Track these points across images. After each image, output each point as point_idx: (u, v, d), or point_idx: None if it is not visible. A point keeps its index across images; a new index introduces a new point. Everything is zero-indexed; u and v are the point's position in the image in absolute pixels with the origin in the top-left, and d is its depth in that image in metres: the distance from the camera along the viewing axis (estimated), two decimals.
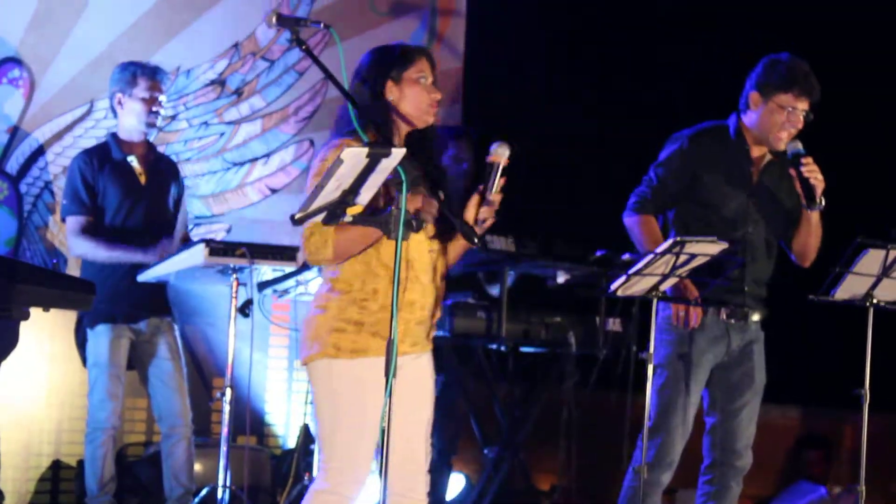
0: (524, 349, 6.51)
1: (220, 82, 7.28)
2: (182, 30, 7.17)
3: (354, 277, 4.36)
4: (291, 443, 7.19)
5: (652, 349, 5.44)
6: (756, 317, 5.60)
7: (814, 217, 5.51)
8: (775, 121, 5.46)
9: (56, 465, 6.63)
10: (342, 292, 4.37)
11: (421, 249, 4.41)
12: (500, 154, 4.33)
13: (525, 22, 7.95)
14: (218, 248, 5.71)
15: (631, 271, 5.32)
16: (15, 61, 6.64)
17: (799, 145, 5.42)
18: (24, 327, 5.82)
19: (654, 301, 5.40)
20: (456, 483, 7.10)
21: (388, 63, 4.41)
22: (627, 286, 5.38)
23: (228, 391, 5.85)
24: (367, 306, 4.34)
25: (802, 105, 5.46)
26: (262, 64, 7.41)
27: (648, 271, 5.31)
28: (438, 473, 6.94)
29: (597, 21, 7.68)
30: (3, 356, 6.07)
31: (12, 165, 6.64)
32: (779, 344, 5.75)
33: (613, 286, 5.38)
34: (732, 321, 5.54)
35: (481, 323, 6.37)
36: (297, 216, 4.40)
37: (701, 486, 5.60)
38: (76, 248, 6.09)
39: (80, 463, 6.24)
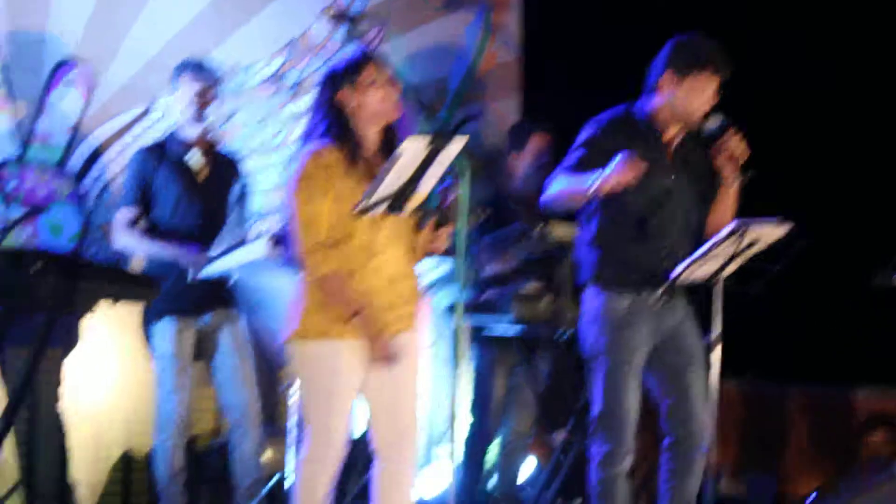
0: None
1: (277, 79, 7.33)
2: (238, 28, 7.21)
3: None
4: (358, 431, 7.23)
5: (715, 333, 5.45)
6: (682, 295, 5.60)
7: (732, 190, 5.54)
8: (693, 100, 5.49)
9: (126, 457, 6.69)
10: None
11: (400, 232, 4.80)
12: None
13: (582, 11, 7.93)
14: (280, 242, 5.76)
15: (693, 256, 5.33)
16: (74, 62, 6.71)
17: (721, 118, 5.46)
18: (93, 322, 5.91)
19: (716, 286, 5.41)
20: (527, 467, 7.14)
21: (341, 74, 4.83)
22: (689, 271, 5.39)
23: (295, 381, 5.89)
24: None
25: (717, 82, 5.50)
26: (318, 60, 7.45)
27: (711, 256, 5.31)
28: (513, 457, 6.99)
29: (659, 9, 7.65)
30: (68, 350, 6.15)
31: (74, 164, 6.71)
32: (843, 325, 5.75)
33: (675, 272, 5.39)
34: (661, 302, 5.54)
35: (546, 310, 6.39)
36: (359, 207, 4.46)
37: (665, 464, 5.61)
38: (118, 240, 6.19)
39: (151, 454, 6.31)
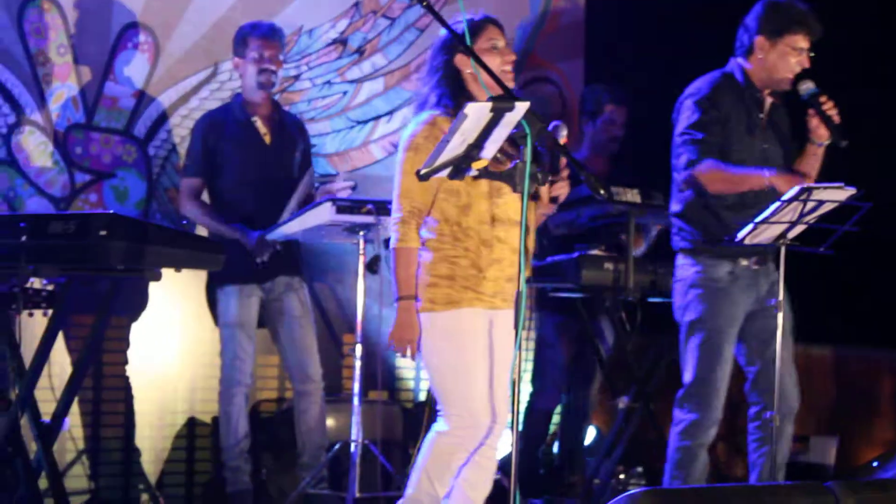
0: (652, 300, 6.47)
1: (341, 41, 7.30)
2: None
3: (445, 238, 4.62)
4: (423, 396, 7.23)
5: (781, 295, 5.39)
6: (774, 258, 5.55)
7: (819, 151, 5.52)
8: (786, 63, 5.49)
9: (191, 423, 6.72)
10: (434, 251, 4.63)
11: (509, 209, 4.62)
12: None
13: None
14: (344, 206, 5.74)
15: (758, 219, 5.28)
16: (139, 26, 6.71)
17: (812, 85, 5.44)
18: (157, 287, 5.93)
19: (783, 249, 5.36)
20: (588, 434, 7.11)
21: (457, 37, 4.58)
22: (755, 234, 5.34)
23: (359, 347, 5.88)
24: (458, 262, 4.61)
25: (808, 44, 5.48)
26: (383, 22, 7.41)
27: (776, 219, 5.26)
28: (575, 425, 6.96)
29: None
30: (134, 316, 6.18)
31: (139, 129, 6.71)
32: None
33: (741, 235, 5.35)
34: (758, 267, 5.53)
35: (609, 274, 6.34)
36: (422, 171, 4.43)
37: (752, 433, 5.59)
38: (184, 208, 6.22)
39: (215, 420, 6.33)
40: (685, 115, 5.58)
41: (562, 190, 4.66)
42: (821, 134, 5.46)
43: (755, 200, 5.45)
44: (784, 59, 5.49)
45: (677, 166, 5.60)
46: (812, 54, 5.50)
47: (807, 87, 5.45)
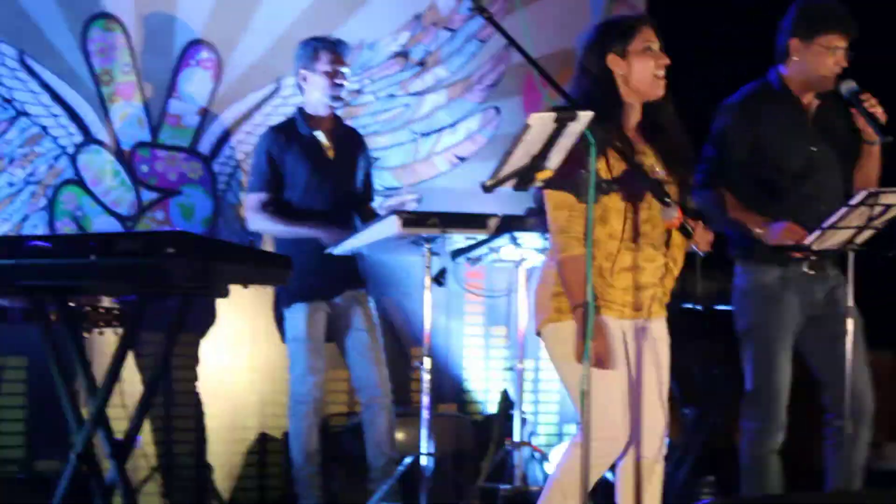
0: (719, 307, 6.42)
1: (403, 54, 7.31)
2: (363, 4, 7.19)
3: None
4: (492, 408, 7.21)
5: (850, 301, 5.34)
6: (834, 265, 5.50)
7: (875, 150, 5.45)
8: (823, 63, 5.42)
9: (262, 438, 6.74)
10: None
11: (655, 220, 4.39)
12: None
13: None
14: (410, 219, 5.73)
15: (825, 224, 5.23)
16: (202, 43, 6.74)
17: (853, 84, 5.37)
18: (226, 304, 5.96)
19: (850, 254, 5.31)
20: None
21: (611, 36, 4.40)
22: (822, 240, 5.29)
23: (427, 360, 5.87)
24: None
25: (845, 42, 5.41)
26: (444, 34, 7.41)
27: (843, 224, 5.22)
28: None
29: None
30: (203, 332, 6.20)
31: (204, 146, 6.75)
32: None
33: (808, 240, 5.30)
34: (813, 272, 5.46)
35: (676, 282, 6.29)
36: (487, 183, 4.40)
37: (829, 438, 5.52)
38: (253, 223, 6.22)
39: (286, 435, 6.34)
40: (716, 125, 5.56)
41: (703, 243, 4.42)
42: (868, 133, 5.40)
43: (805, 201, 5.42)
44: (820, 59, 5.42)
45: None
46: (850, 53, 5.43)
47: (847, 86, 5.38)
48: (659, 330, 4.53)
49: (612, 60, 4.40)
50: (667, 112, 4.48)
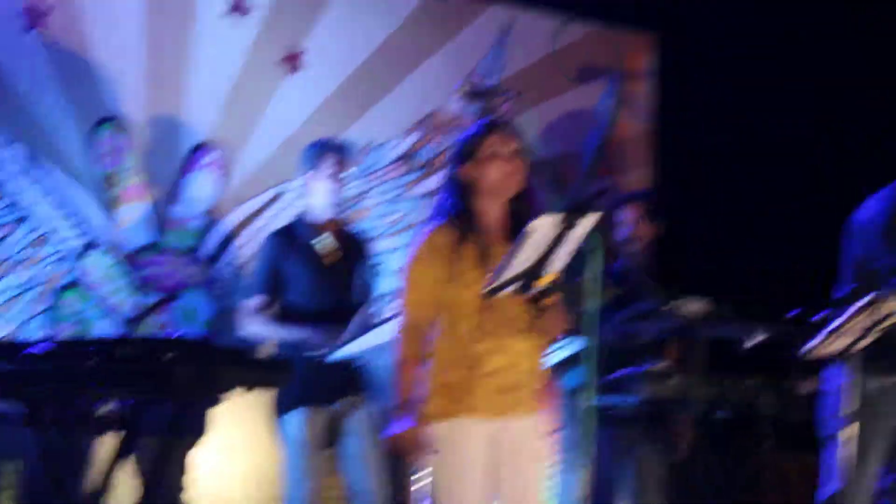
0: (718, 413, 6.35)
1: (409, 157, 7.31)
2: (372, 105, 7.22)
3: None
4: None
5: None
6: None
7: None
8: None
9: None
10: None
11: (511, 314, 4.58)
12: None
13: (719, 81, 7.79)
14: None
15: (827, 330, 5.16)
16: (208, 146, 6.75)
17: None
18: (222, 407, 5.88)
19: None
20: None
21: (460, 153, 4.70)
22: (824, 346, 5.21)
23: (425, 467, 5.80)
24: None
25: None
26: (451, 135, 7.42)
27: (846, 330, 5.15)
28: None
29: (794, 72, 7.48)
30: (193, 442, 6.14)
31: (206, 249, 6.74)
32: None
33: (808, 346, 5.22)
34: None
35: (676, 388, 6.23)
36: (488, 289, 4.38)
37: None
38: (245, 328, 6.15)
39: None
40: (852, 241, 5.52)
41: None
42: None
43: None
44: None
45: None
46: None
47: None
48: (526, 429, 4.65)
49: (463, 172, 4.66)
50: (524, 205, 4.66)
